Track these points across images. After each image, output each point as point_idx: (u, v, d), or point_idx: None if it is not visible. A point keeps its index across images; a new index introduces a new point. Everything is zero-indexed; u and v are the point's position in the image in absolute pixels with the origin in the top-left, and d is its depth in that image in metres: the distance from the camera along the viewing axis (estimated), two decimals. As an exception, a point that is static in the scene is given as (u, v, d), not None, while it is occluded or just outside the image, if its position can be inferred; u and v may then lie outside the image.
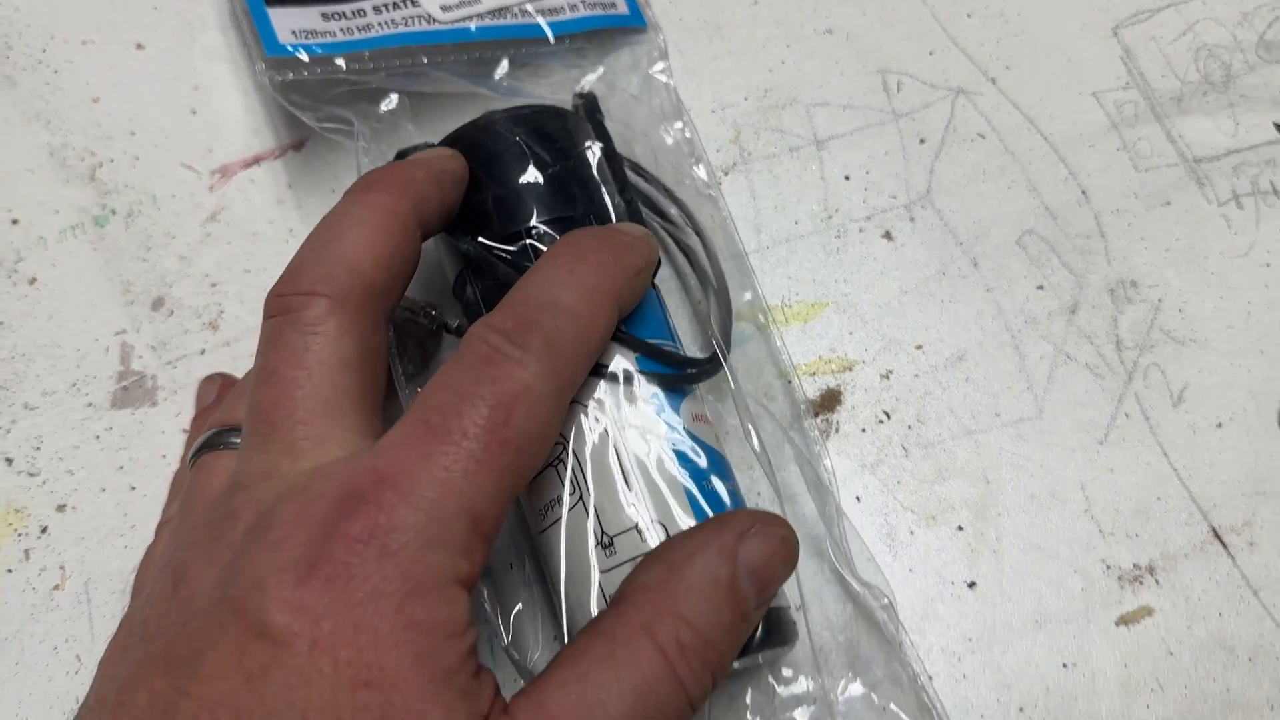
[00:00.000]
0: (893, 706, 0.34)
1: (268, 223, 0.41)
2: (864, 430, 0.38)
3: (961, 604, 0.36)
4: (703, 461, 0.32)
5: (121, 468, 0.38)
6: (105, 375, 0.40)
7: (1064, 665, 0.35)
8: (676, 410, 0.32)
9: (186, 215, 0.42)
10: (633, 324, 0.33)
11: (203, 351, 0.40)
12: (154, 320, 0.40)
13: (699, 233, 0.38)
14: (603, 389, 0.32)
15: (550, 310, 0.28)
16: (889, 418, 0.38)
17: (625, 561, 0.31)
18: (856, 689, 0.34)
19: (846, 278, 0.40)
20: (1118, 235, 0.40)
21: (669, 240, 0.39)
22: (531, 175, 0.34)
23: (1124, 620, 0.36)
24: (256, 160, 0.42)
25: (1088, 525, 0.37)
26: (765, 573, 0.28)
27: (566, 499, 0.32)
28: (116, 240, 0.41)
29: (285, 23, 0.38)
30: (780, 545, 0.28)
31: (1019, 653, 0.35)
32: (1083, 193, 0.41)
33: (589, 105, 0.38)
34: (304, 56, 0.37)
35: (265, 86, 0.37)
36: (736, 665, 0.31)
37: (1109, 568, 0.36)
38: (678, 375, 0.33)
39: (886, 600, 0.34)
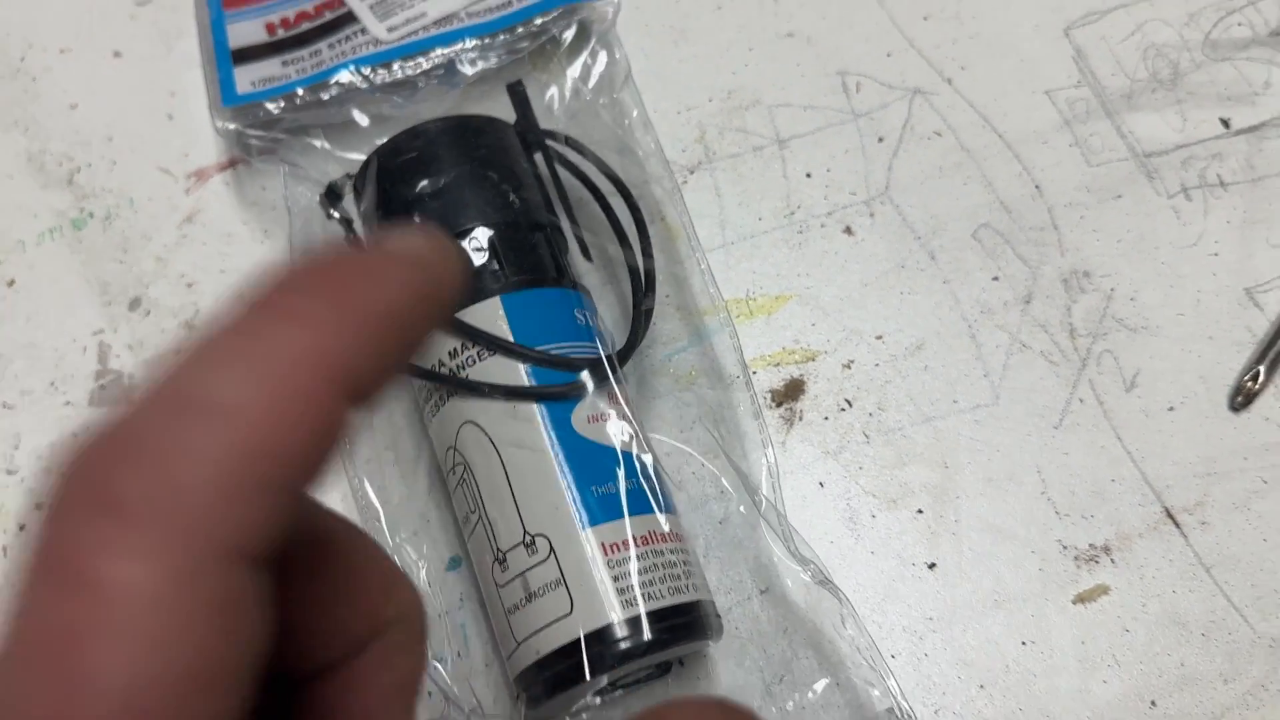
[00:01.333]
0: (844, 683, 0.34)
1: (242, 224, 0.42)
2: (826, 418, 0.39)
3: (922, 584, 0.37)
4: (594, 465, 0.32)
5: (99, 464, 0.39)
6: (83, 374, 0.40)
7: (1023, 643, 0.36)
8: (568, 417, 0.33)
9: (163, 218, 0.42)
10: (535, 328, 0.33)
11: (179, 351, 0.40)
12: (131, 320, 0.41)
13: (636, 219, 0.38)
14: (490, 406, 0.33)
15: (187, 415, 0.15)
16: (851, 406, 0.39)
17: (515, 577, 0.31)
18: (809, 667, 0.35)
19: (809, 271, 0.41)
20: (1070, 227, 0.42)
21: (610, 229, 0.39)
22: (425, 189, 0.35)
23: (1081, 599, 0.36)
24: (232, 164, 0.43)
25: (1044, 507, 0.38)
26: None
27: (470, 518, 0.33)
28: (94, 242, 0.42)
29: (247, 75, 0.41)
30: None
31: (979, 631, 0.36)
32: (1036, 187, 0.42)
33: (514, 93, 0.39)
34: (260, 105, 0.40)
35: (226, 140, 0.39)
36: (610, 680, 0.32)
37: (1065, 548, 0.37)
38: (548, 391, 0.33)
39: (823, 576, 0.35)
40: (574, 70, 0.42)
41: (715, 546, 0.37)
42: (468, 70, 0.41)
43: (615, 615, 0.30)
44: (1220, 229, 0.42)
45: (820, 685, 0.35)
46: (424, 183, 0.35)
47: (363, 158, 0.37)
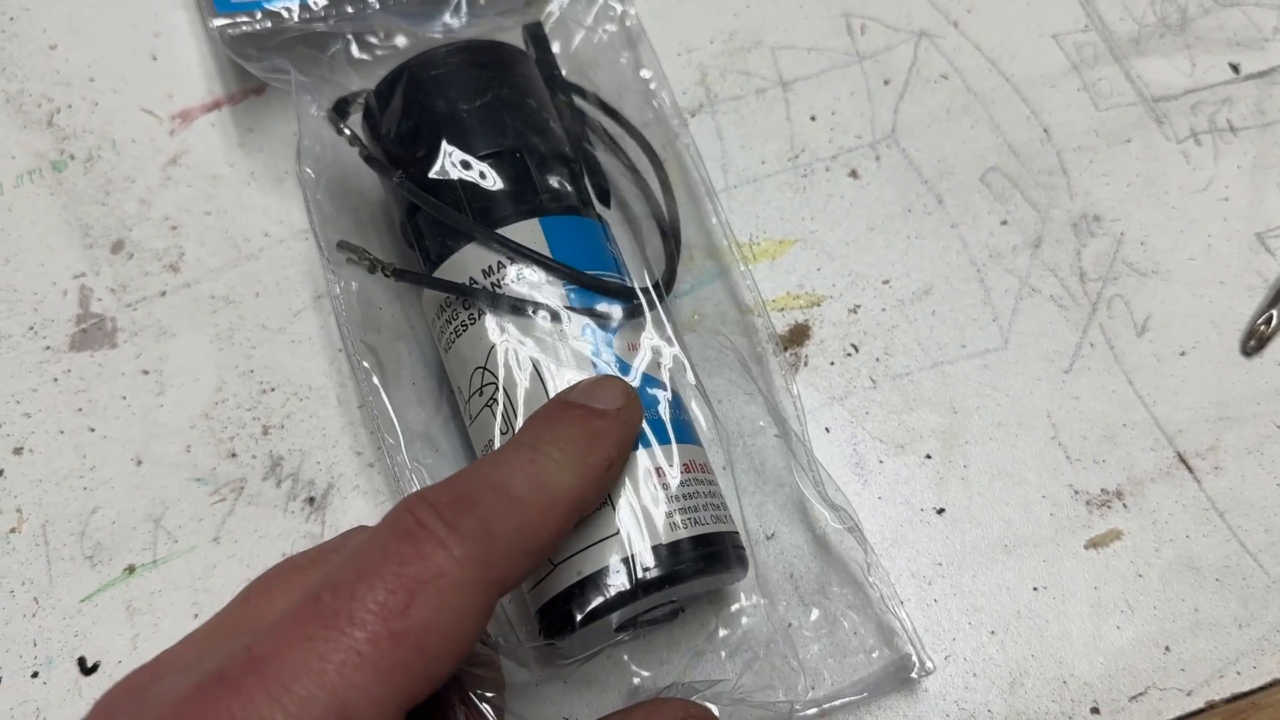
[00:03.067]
0: (862, 629, 0.34)
1: (228, 166, 0.41)
2: (832, 363, 0.38)
3: (930, 530, 0.36)
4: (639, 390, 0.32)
5: (80, 410, 0.38)
6: (64, 319, 0.39)
7: (1034, 589, 0.35)
8: (609, 343, 0.32)
9: (146, 159, 0.41)
10: (572, 253, 0.33)
11: (163, 293, 0.39)
12: (114, 263, 0.40)
13: (654, 162, 0.38)
14: (533, 325, 0.32)
15: (497, 494, 0.25)
16: (857, 351, 0.38)
17: None
18: (826, 613, 0.34)
19: (814, 215, 0.40)
20: (1079, 172, 0.41)
21: (624, 169, 0.39)
22: (463, 106, 0.34)
23: (1093, 544, 0.36)
24: (217, 105, 0.42)
25: (1055, 452, 0.37)
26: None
27: (498, 440, 0.32)
28: (75, 185, 0.41)
29: None
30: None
31: (989, 577, 0.35)
32: (1045, 131, 0.41)
33: (534, 33, 0.38)
34: (255, 13, 0.38)
35: (222, 47, 0.37)
36: (656, 603, 0.31)
37: (1077, 493, 0.36)
38: (601, 312, 0.32)
39: (853, 523, 0.34)
40: (588, 17, 0.41)
41: (747, 483, 0.36)
42: (475, 4, 0.40)
43: (664, 535, 0.29)
44: (1230, 174, 0.41)
45: (841, 630, 0.34)
46: (463, 99, 0.34)
47: (373, 75, 0.36)
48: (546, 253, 0.32)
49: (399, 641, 0.21)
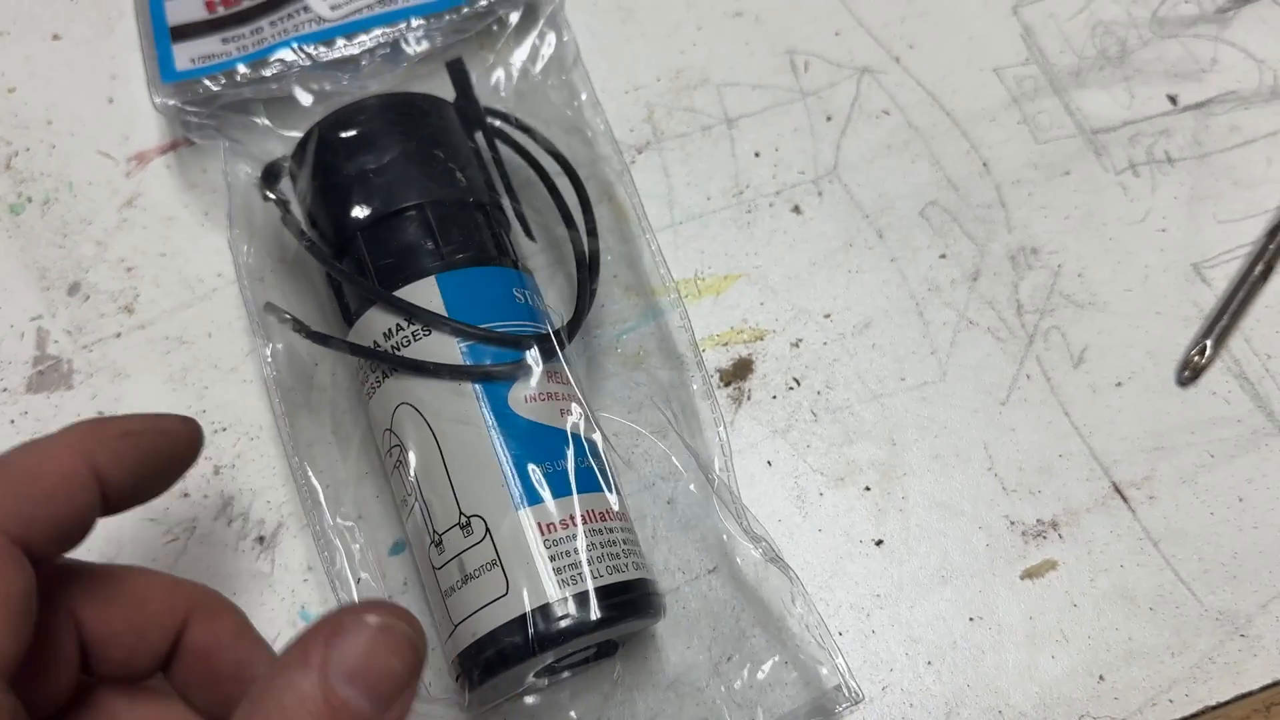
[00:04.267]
0: (791, 661, 0.34)
1: (183, 207, 0.41)
2: (775, 397, 0.39)
3: (869, 561, 0.36)
4: (534, 444, 0.32)
5: (36, 451, 0.38)
6: (21, 360, 0.40)
7: (970, 619, 0.36)
8: (504, 396, 0.32)
9: (103, 201, 0.42)
10: (472, 307, 0.33)
11: (118, 335, 0.40)
12: (70, 305, 0.40)
13: (580, 192, 0.38)
14: (431, 385, 0.32)
15: None
16: (799, 384, 0.39)
17: (452, 558, 0.31)
18: (756, 645, 0.34)
19: (757, 250, 0.41)
20: (1018, 204, 0.41)
21: (554, 208, 0.39)
22: (368, 165, 0.35)
23: (1029, 574, 0.36)
24: (173, 146, 0.43)
25: (991, 483, 0.37)
26: (371, 673, 0.22)
27: (408, 500, 0.32)
28: (33, 227, 0.41)
29: (186, 52, 0.40)
30: (382, 635, 0.23)
31: (926, 608, 0.36)
32: (984, 165, 0.42)
33: (456, 69, 0.39)
34: (200, 82, 0.39)
35: (164, 115, 0.39)
36: (551, 659, 0.31)
37: (1013, 523, 0.37)
38: (499, 367, 0.33)
39: (775, 554, 0.34)
40: (522, 52, 0.42)
41: (664, 526, 0.36)
42: (412, 50, 0.41)
43: (553, 593, 0.30)
44: (1168, 205, 0.42)
45: (769, 663, 0.34)
46: (366, 158, 0.35)
47: (305, 126, 0.36)
48: (442, 310, 0.33)
49: None
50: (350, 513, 0.35)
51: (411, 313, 0.33)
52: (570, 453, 0.32)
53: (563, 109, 0.41)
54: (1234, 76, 0.44)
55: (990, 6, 0.45)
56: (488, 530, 0.30)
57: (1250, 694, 0.35)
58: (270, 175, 0.37)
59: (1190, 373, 0.39)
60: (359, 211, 0.34)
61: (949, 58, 0.44)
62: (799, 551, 0.36)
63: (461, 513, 0.31)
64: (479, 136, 0.38)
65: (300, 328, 0.35)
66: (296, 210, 0.37)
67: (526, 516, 0.31)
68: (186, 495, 0.37)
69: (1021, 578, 0.36)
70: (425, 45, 0.41)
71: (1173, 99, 0.43)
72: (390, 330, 0.33)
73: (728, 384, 0.39)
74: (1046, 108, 0.43)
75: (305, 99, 0.40)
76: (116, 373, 0.39)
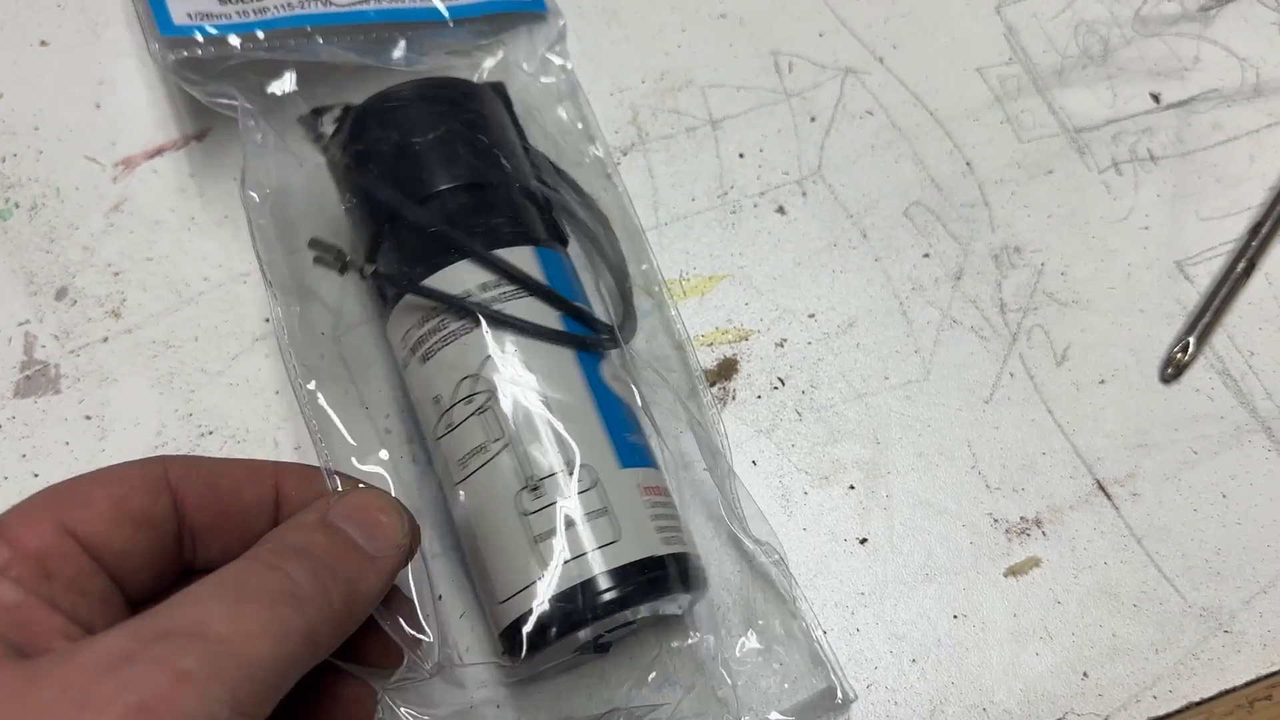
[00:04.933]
0: (788, 660, 0.34)
1: (170, 211, 0.42)
2: (759, 397, 0.39)
3: (854, 560, 0.37)
4: (619, 415, 0.33)
5: (24, 456, 0.38)
6: (8, 365, 0.40)
7: (954, 616, 0.36)
8: (598, 366, 0.34)
9: (90, 206, 0.42)
10: (559, 283, 0.35)
11: (105, 339, 0.40)
12: (57, 310, 0.40)
13: (595, 210, 0.39)
14: (527, 344, 0.33)
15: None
16: (783, 384, 0.39)
17: (548, 505, 0.31)
18: (753, 644, 0.35)
19: (742, 251, 0.41)
20: (1001, 203, 0.42)
21: (577, 212, 0.39)
22: (456, 135, 0.35)
23: (1012, 571, 0.36)
24: (159, 151, 0.43)
25: (975, 481, 0.38)
26: (361, 514, 0.28)
27: (490, 447, 0.32)
28: (20, 233, 0.41)
29: (181, 5, 0.39)
30: (370, 495, 0.29)
31: (910, 606, 0.36)
32: (967, 164, 0.42)
33: (499, 92, 0.39)
34: (198, 37, 0.38)
35: (164, 70, 0.37)
36: (643, 613, 0.32)
37: (996, 521, 0.37)
38: (586, 340, 0.34)
39: (778, 556, 0.35)
40: (524, 70, 0.42)
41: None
42: (415, 51, 0.41)
43: (659, 549, 0.31)
44: (1150, 203, 0.42)
45: (762, 663, 0.34)
46: (451, 129, 0.35)
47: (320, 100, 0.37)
48: (542, 278, 0.34)
49: None
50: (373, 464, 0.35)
51: (520, 276, 0.34)
52: (644, 427, 0.34)
53: (557, 116, 0.41)
54: (1216, 75, 0.44)
55: (973, 6, 0.45)
56: (598, 480, 0.32)
57: (1234, 690, 0.35)
58: (314, 120, 0.37)
59: (1173, 370, 0.39)
60: (444, 175, 0.35)
61: (932, 58, 0.44)
62: (784, 551, 0.36)
63: (568, 461, 0.32)
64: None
65: (349, 265, 0.35)
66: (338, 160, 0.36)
67: (631, 475, 0.32)
68: (173, 498, 0.37)
69: (1005, 575, 0.36)
70: (429, 50, 0.41)
71: (1155, 97, 0.43)
72: (487, 284, 0.34)
73: (713, 384, 0.39)
74: (1029, 107, 0.43)
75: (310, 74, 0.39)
76: (104, 377, 0.39)
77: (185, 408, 0.39)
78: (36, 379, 0.39)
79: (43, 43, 0.45)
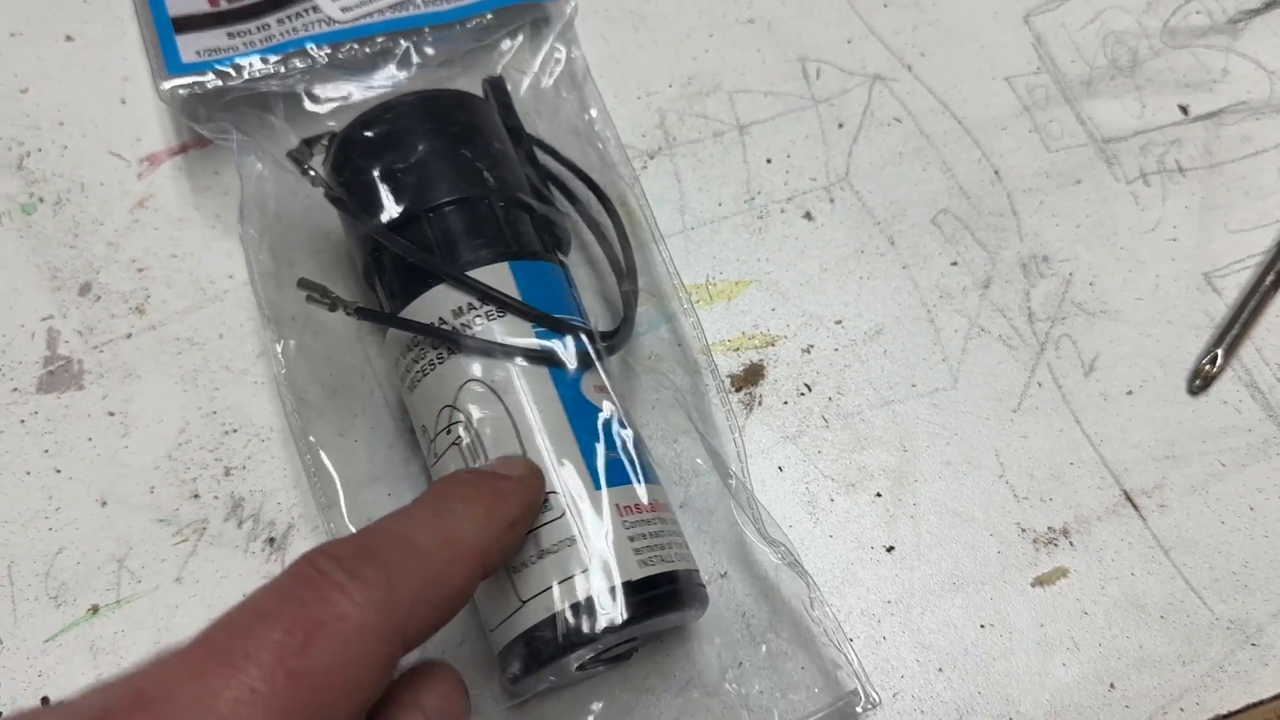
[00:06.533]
0: (808, 665, 0.34)
1: (194, 209, 0.42)
2: (786, 403, 0.39)
3: (880, 568, 0.36)
4: (601, 432, 0.32)
5: (46, 451, 0.38)
6: (31, 360, 0.39)
7: (981, 626, 0.36)
8: (577, 383, 0.33)
9: (115, 202, 0.42)
10: (539, 296, 0.34)
11: (129, 335, 0.40)
12: (81, 306, 0.40)
13: (609, 210, 0.39)
14: (501, 365, 0.32)
15: (399, 545, 0.25)
16: (810, 390, 0.39)
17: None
18: (775, 648, 0.34)
19: (769, 257, 0.41)
20: (1029, 213, 0.42)
21: (579, 219, 0.39)
22: (433, 151, 0.35)
23: (1040, 581, 0.36)
24: (184, 148, 0.43)
25: (1002, 490, 0.37)
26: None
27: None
28: (44, 228, 0.41)
29: (190, 45, 0.40)
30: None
31: (937, 614, 0.36)
32: (995, 173, 0.42)
33: (496, 88, 0.39)
34: (207, 75, 0.39)
35: (173, 109, 0.38)
36: (615, 641, 0.31)
37: (1024, 531, 0.37)
38: (556, 357, 0.33)
39: (793, 558, 0.34)
40: (534, 63, 0.42)
41: (684, 527, 0.36)
42: (421, 56, 0.41)
43: (633, 573, 0.30)
44: (1179, 214, 0.42)
45: (784, 668, 0.34)
46: (430, 144, 0.35)
47: (316, 130, 0.36)
48: (516, 295, 0.33)
49: (296, 681, 0.21)
50: (362, 514, 0.35)
51: (492, 295, 0.33)
52: (626, 442, 0.33)
53: (567, 117, 0.41)
54: (1245, 87, 0.44)
55: (1001, 16, 0.45)
56: (568, 507, 0.31)
57: (1261, 703, 0.35)
58: (302, 153, 0.37)
59: (1201, 381, 0.39)
60: (422, 197, 0.34)
61: (960, 66, 0.44)
62: (810, 557, 0.36)
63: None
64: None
65: (339, 303, 0.35)
66: (331, 187, 0.36)
67: (606, 497, 0.31)
68: (197, 497, 0.37)
69: (1032, 585, 0.36)
70: (434, 54, 0.41)
71: (1184, 109, 0.43)
72: (460, 309, 0.33)
73: (739, 389, 0.39)
74: (1058, 116, 0.43)
75: (319, 96, 0.40)
76: (127, 373, 0.39)
77: (209, 405, 0.39)
78: (60, 374, 0.39)
79: (68, 38, 0.45)
